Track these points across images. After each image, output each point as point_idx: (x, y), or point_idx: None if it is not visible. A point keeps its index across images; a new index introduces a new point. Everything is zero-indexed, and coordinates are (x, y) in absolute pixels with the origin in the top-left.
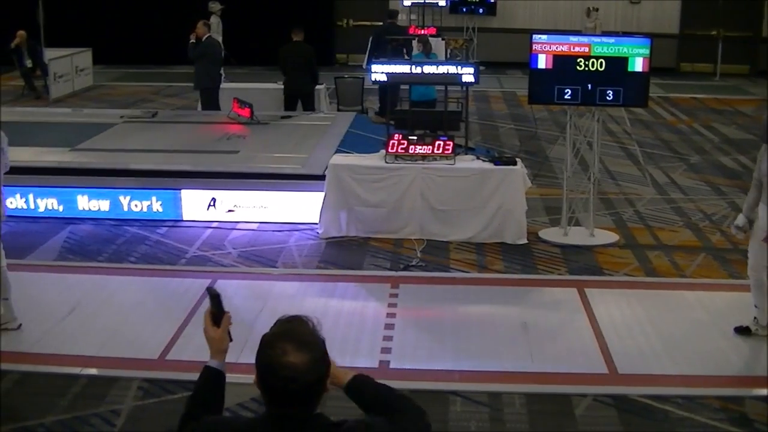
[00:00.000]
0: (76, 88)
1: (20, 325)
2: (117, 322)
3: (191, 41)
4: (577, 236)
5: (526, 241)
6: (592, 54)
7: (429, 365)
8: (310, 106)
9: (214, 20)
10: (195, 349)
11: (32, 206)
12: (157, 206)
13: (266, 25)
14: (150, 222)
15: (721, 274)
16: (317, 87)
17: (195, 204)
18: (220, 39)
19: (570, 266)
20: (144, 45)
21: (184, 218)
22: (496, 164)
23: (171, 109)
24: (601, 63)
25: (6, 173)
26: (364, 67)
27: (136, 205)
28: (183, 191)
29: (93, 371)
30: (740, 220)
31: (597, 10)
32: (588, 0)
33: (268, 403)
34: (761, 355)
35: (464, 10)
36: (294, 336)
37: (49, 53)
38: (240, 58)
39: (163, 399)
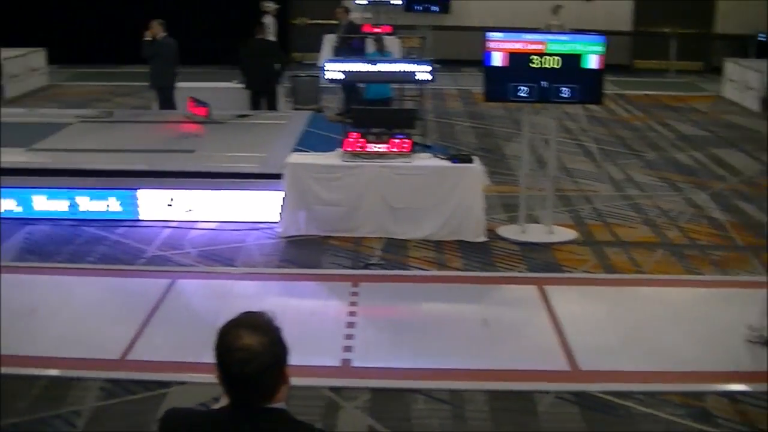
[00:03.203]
0: (31, 88)
1: None
2: (77, 323)
3: (145, 39)
4: (535, 233)
5: (484, 239)
6: (546, 51)
7: (391, 363)
8: (273, 104)
9: (269, 20)
10: (156, 349)
11: None
12: (115, 206)
13: (221, 23)
14: (108, 222)
15: (679, 270)
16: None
17: (153, 204)
18: (273, 39)
19: (529, 263)
20: (98, 44)
21: (142, 218)
22: (453, 162)
23: (127, 109)
24: (556, 60)
25: None
26: (318, 64)
27: (93, 206)
28: (140, 191)
29: (53, 372)
30: None
31: (560, 7)
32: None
33: (228, 393)
34: (718, 349)
35: (419, 8)
36: (248, 323)
37: (3, 53)
38: (195, 58)
39: (125, 399)
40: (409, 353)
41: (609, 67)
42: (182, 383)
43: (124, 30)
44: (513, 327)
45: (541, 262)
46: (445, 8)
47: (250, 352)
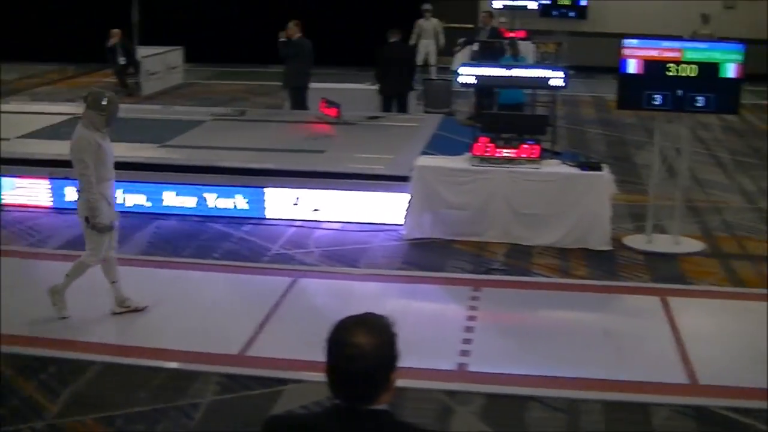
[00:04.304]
0: (167, 86)
1: (145, 307)
2: (199, 317)
3: (281, 40)
4: (662, 244)
5: (610, 248)
6: (683, 60)
7: (508, 369)
8: (404, 106)
9: (430, 23)
10: (275, 346)
11: (120, 201)
12: (242, 203)
13: (358, 25)
14: (234, 219)
15: None
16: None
17: (279, 202)
18: (434, 40)
19: (654, 274)
20: (235, 43)
21: (268, 216)
22: (582, 169)
23: (262, 108)
24: (693, 69)
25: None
26: (452, 68)
27: (221, 203)
28: (267, 189)
29: (174, 365)
30: None
31: (710, 15)
32: (677, 0)
33: (332, 389)
34: None
35: (555, 13)
36: (365, 322)
37: (142, 51)
38: (330, 59)
39: (242, 395)
40: (526, 360)
41: (748, 76)
42: (299, 381)
43: (260, 30)
44: (634, 338)
45: (666, 273)
46: (581, 14)
47: (360, 350)
